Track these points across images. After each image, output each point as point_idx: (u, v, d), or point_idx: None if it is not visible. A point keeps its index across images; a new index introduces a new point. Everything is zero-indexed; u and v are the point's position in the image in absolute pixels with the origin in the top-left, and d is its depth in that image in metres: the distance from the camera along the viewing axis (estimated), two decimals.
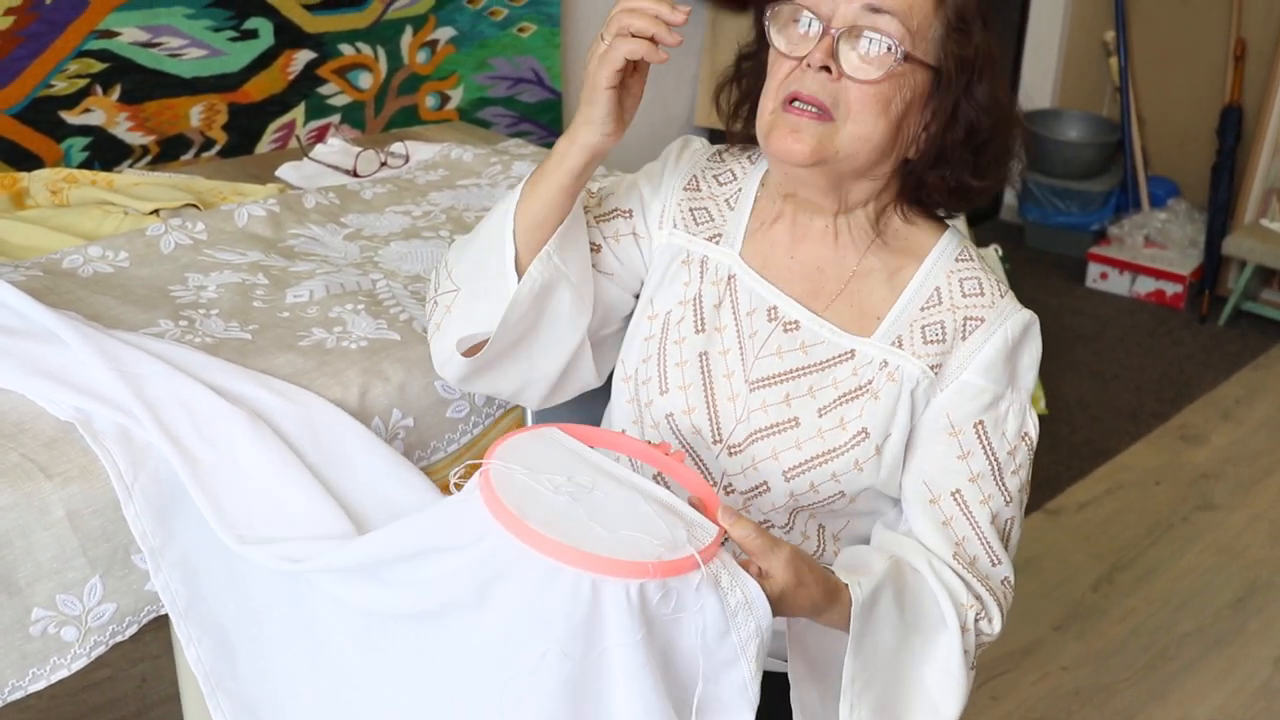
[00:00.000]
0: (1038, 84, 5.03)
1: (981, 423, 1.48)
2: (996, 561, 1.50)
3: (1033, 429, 1.52)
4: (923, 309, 1.50)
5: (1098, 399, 3.91)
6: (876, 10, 1.39)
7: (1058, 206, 4.86)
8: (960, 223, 1.64)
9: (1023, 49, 5.04)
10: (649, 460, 1.43)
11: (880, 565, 1.44)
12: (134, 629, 1.50)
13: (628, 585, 1.13)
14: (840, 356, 1.50)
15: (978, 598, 1.48)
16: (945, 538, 1.48)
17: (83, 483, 1.43)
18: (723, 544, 1.24)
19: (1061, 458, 3.55)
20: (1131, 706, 2.64)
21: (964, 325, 1.49)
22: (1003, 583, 1.51)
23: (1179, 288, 4.57)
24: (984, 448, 1.49)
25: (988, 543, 1.49)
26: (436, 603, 1.25)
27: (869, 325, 1.51)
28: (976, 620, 1.47)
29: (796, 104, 1.42)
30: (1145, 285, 4.62)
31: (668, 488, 1.40)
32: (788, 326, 1.52)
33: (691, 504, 1.32)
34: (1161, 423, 3.80)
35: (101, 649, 1.48)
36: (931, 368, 1.48)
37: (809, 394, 1.50)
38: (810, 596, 1.33)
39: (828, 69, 1.40)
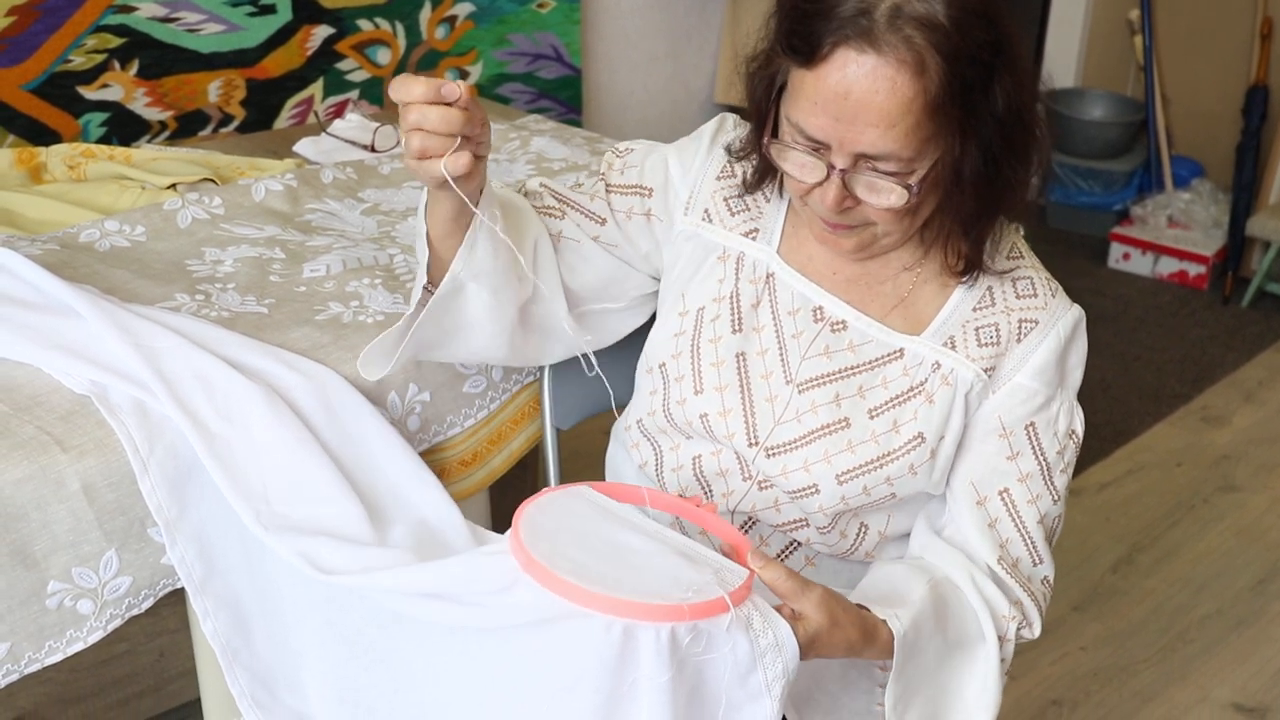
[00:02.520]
0: (1061, 63, 4.99)
1: (1033, 424, 1.47)
2: (1038, 561, 1.49)
3: (1079, 426, 1.51)
4: (975, 309, 1.47)
5: (1119, 380, 3.89)
6: (870, 157, 1.32)
7: (1080, 186, 4.83)
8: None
9: (1046, 28, 5.00)
10: (682, 513, 1.41)
11: (918, 591, 1.40)
12: (150, 602, 1.50)
13: (658, 629, 1.14)
14: (890, 355, 1.47)
15: (1017, 603, 1.46)
16: (990, 540, 1.47)
17: (98, 456, 1.43)
18: (752, 587, 1.23)
19: (1082, 438, 3.52)
20: (1151, 687, 2.63)
21: (1019, 328, 1.46)
22: (1043, 581, 1.50)
23: (1202, 269, 4.54)
24: (1034, 449, 1.47)
25: (1032, 543, 1.48)
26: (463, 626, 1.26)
27: (918, 325, 1.48)
28: (1018, 630, 1.46)
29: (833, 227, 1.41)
30: (1168, 266, 4.59)
31: (700, 536, 1.42)
32: (835, 326, 1.49)
33: (723, 551, 1.32)
34: (1183, 404, 3.78)
35: (118, 622, 1.48)
36: (985, 370, 1.46)
37: (859, 394, 1.47)
38: (846, 637, 1.29)
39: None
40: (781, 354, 1.49)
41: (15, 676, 1.42)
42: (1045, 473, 1.48)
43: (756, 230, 1.53)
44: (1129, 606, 2.88)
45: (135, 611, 1.49)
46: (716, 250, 1.53)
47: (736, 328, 1.50)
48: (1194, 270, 4.55)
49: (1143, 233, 4.63)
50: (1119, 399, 3.77)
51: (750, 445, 1.48)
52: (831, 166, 1.33)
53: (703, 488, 1.53)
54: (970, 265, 1.44)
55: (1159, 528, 3.17)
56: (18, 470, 1.38)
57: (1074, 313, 1.49)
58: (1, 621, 1.39)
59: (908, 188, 1.32)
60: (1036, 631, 1.48)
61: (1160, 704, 2.58)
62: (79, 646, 1.45)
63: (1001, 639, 1.45)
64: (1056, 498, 1.49)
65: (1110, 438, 3.56)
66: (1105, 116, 4.85)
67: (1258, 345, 4.16)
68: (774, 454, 1.48)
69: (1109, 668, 2.68)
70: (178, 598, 1.54)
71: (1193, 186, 4.71)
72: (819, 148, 1.33)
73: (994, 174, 1.35)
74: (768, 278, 1.51)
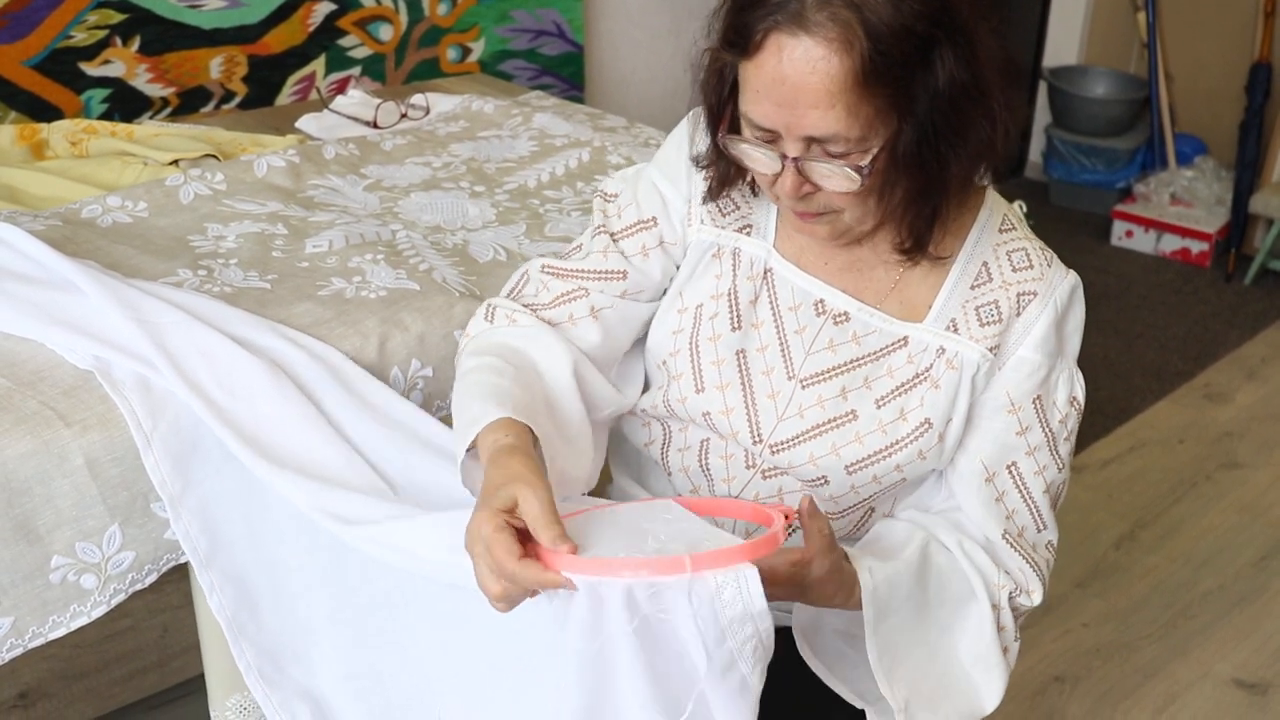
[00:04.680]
0: (1064, 40, 4.98)
1: (1039, 397, 1.46)
2: (1042, 527, 1.49)
3: (1080, 393, 1.51)
4: (973, 288, 1.46)
5: (1122, 357, 3.89)
6: (818, 140, 1.31)
7: (1083, 164, 4.82)
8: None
9: (1049, 5, 4.98)
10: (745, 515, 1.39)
11: (909, 549, 1.43)
12: (153, 577, 1.50)
13: (619, 584, 1.13)
14: (894, 345, 1.46)
15: (1009, 574, 1.46)
16: (997, 513, 1.47)
17: (102, 431, 1.43)
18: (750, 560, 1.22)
19: (1085, 415, 3.49)
20: (1153, 664, 2.63)
21: (1018, 301, 1.45)
22: (1047, 546, 1.51)
23: (1205, 246, 4.53)
24: (1041, 421, 1.47)
25: (1037, 511, 1.48)
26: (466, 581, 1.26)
27: (919, 310, 1.47)
28: (1012, 597, 1.46)
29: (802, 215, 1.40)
30: (1171, 243, 4.58)
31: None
32: (838, 319, 1.47)
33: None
34: (1186, 381, 3.78)
35: (121, 597, 1.48)
36: (991, 350, 1.45)
37: (865, 385, 1.46)
38: (835, 596, 1.34)
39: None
40: (783, 349, 1.48)
41: (19, 651, 1.43)
42: (1051, 443, 1.48)
43: (750, 226, 1.51)
44: (1131, 583, 2.88)
45: (139, 586, 1.49)
46: (713, 248, 1.51)
47: (736, 325, 1.49)
48: (1197, 248, 4.54)
49: (1145, 210, 4.62)
50: (1122, 376, 3.77)
51: (755, 443, 1.48)
52: (784, 156, 1.32)
53: (705, 474, 1.53)
54: (916, 245, 1.41)
55: (1161, 504, 3.18)
56: (21, 445, 1.39)
57: (1070, 279, 1.47)
58: (5, 596, 1.39)
59: (859, 169, 1.31)
60: (1037, 599, 1.48)
61: (1162, 680, 2.59)
62: (82, 621, 1.46)
63: (994, 605, 1.45)
64: (1061, 465, 1.49)
65: (1113, 415, 3.56)
66: (1108, 94, 4.84)
67: (1260, 322, 4.15)
68: (779, 450, 1.47)
69: (1111, 644, 2.68)
70: (181, 574, 1.54)
71: (1196, 164, 4.70)
72: (773, 139, 1.33)
73: (930, 152, 1.32)
74: (765, 273, 1.49)
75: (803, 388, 1.47)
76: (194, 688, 1.68)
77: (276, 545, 1.47)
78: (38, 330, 1.52)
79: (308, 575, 1.45)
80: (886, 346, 1.47)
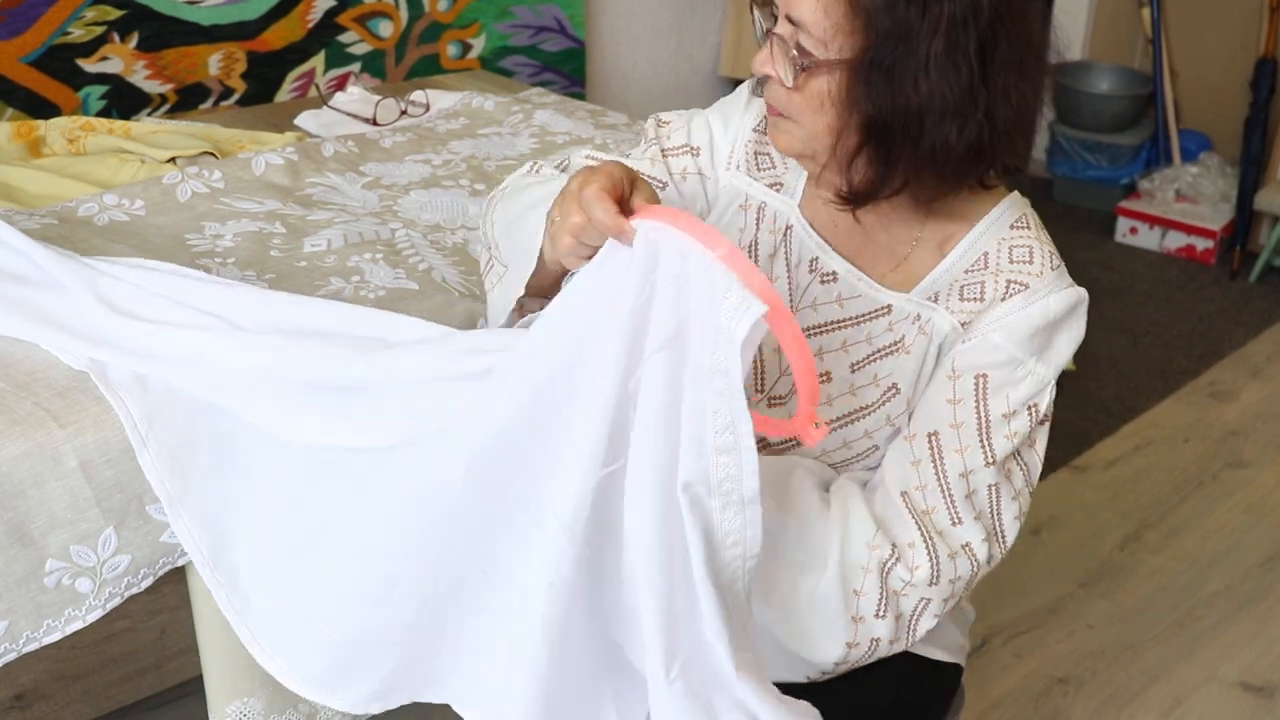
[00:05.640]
0: (1068, 35, 4.96)
1: (985, 376, 1.42)
2: (957, 521, 1.42)
3: (1045, 406, 1.44)
4: (967, 271, 1.45)
5: (1126, 355, 3.87)
6: (793, 21, 1.33)
7: (1087, 160, 4.80)
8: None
9: (1053, 0, 4.97)
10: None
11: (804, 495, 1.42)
12: (149, 581, 1.49)
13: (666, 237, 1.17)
14: (876, 311, 1.46)
15: (893, 543, 1.40)
16: (905, 474, 1.43)
17: (96, 432, 1.42)
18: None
19: (1089, 414, 3.51)
20: (1158, 665, 2.61)
21: (1006, 288, 1.43)
22: (965, 548, 1.43)
23: (1209, 243, 4.51)
24: (977, 400, 1.42)
25: (950, 497, 1.42)
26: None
27: (910, 284, 1.46)
28: (887, 565, 1.40)
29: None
30: (1175, 240, 4.57)
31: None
32: (825, 278, 1.48)
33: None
34: (1191, 379, 3.76)
35: (117, 601, 1.47)
36: (963, 324, 1.43)
37: (842, 348, 1.46)
38: None
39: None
40: (791, 307, 1.49)
41: (13, 655, 1.41)
42: (982, 428, 1.42)
43: (780, 184, 1.53)
44: (1136, 584, 2.86)
45: (134, 590, 1.48)
46: (740, 198, 1.53)
47: None
48: (1201, 245, 4.52)
49: (1150, 207, 4.60)
50: (1126, 375, 3.75)
51: (758, 392, 1.49)
52: (768, 30, 1.36)
53: None
54: (854, 197, 1.40)
55: (1167, 504, 3.16)
56: (14, 447, 1.37)
57: (1073, 293, 1.44)
58: None
59: (800, 61, 1.33)
60: (920, 585, 1.41)
61: (1167, 682, 2.57)
62: (77, 625, 1.45)
63: (858, 565, 1.40)
64: (990, 460, 1.42)
65: (1118, 414, 3.54)
66: (1112, 89, 4.81)
67: (1266, 320, 4.13)
68: (775, 404, 1.49)
69: (1116, 646, 2.67)
70: (179, 574, 1.53)
71: (1200, 160, 4.68)
72: (775, 14, 1.36)
73: (896, 97, 1.32)
74: (786, 230, 1.51)
75: None
76: (192, 689, 1.67)
77: (280, 540, 1.46)
78: (31, 331, 1.50)
79: (312, 562, 1.44)
80: (869, 313, 1.46)
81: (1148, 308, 4.19)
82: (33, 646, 1.43)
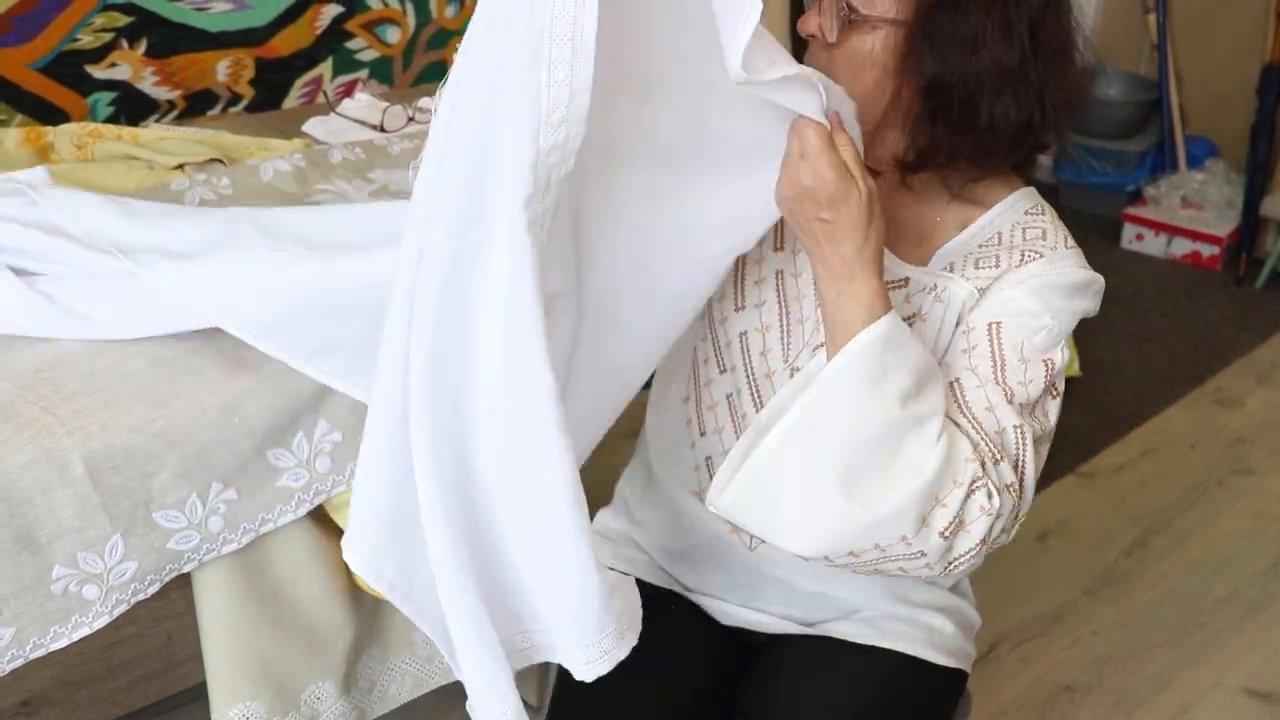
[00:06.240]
0: None
1: (999, 323, 1.40)
2: (996, 459, 1.36)
3: (1059, 360, 1.42)
4: (981, 246, 1.48)
5: (1132, 361, 3.87)
6: None
7: (1093, 166, 4.80)
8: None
9: None
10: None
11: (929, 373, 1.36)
12: (156, 587, 1.49)
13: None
14: (894, 284, 1.47)
15: (981, 464, 1.33)
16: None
17: (103, 438, 1.41)
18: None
19: (1095, 420, 3.51)
20: (1164, 672, 2.61)
21: (1021, 257, 1.45)
22: (1007, 487, 1.36)
23: (1215, 250, 4.51)
24: (992, 346, 1.40)
25: (983, 433, 1.36)
26: None
27: (926, 260, 1.49)
28: (973, 482, 1.32)
29: None
30: (1181, 247, 4.56)
31: None
32: None
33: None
34: (1196, 386, 3.76)
35: (124, 607, 1.47)
36: (979, 289, 1.44)
37: None
38: (846, 242, 1.33)
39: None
40: (814, 277, 1.48)
41: (20, 662, 1.41)
42: (997, 367, 1.39)
43: None
44: (1142, 590, 2.86)
45: (141, 596, 1.48)
46: None
47: (779, 245, 1.52)
48: (1207, 251, 4.52)
49: (1156, 213, 4.60)
50: (1132, 381, 3.75)
51: (784, 362, 1.49)
52: None
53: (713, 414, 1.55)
54: (916, 162, 1.43)
55: (1173, 511, 3.16)
56: (22, 454, 1.37)
57: (1089, 273, 1.47)
58: (6, 607, 1.38)
59: (845, 19, 1.35)
60: (997, 506, 1.33)
61: (1174, 689, 2.57)
62: (84, 632, 1.44)
63: (951, 475, 1.32)
64: (1010, 397, 1.38)
65: (1123, 420, 3.54)
66: (1118, 96, 4.81)
67: (1271, 327, 4.13)
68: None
69: (1122, 652, 2.66)
70: (184, 581, 1.53)
71: (1206, 167, 4.67)
72: None
73: (947, 63, 1.35)
74: None
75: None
76: (199, 694, 1.67)
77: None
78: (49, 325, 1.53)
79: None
80: (888, 284, 1.44)
81: (1153, 314, 4.18)
82: (40, 653, 1.43)
